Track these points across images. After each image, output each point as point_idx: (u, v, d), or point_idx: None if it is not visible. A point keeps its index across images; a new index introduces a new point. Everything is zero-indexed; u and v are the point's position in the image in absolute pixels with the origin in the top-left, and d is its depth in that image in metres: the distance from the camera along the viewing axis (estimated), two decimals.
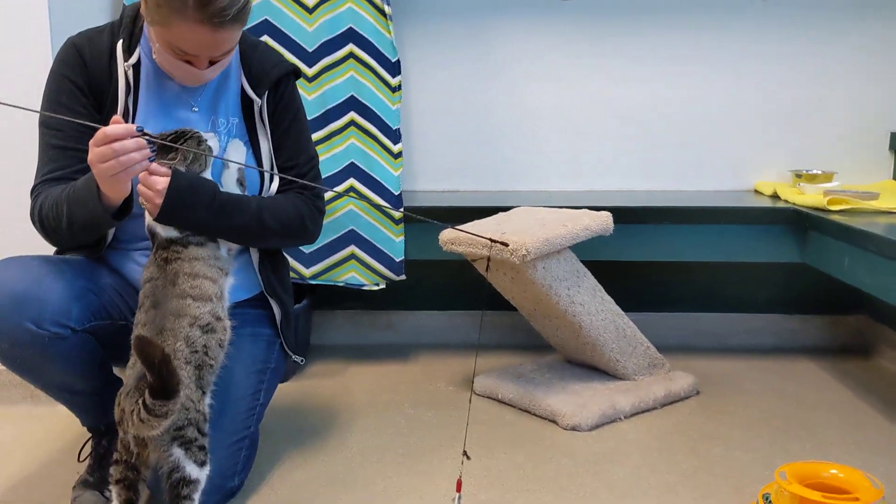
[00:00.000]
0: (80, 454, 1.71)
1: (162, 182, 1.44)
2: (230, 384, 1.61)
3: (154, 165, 1.43)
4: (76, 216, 1.47)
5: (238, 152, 1.62)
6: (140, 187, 1.45)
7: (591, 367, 2.25)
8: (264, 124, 1.66)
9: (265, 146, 1.66)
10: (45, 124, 1.57)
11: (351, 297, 2.61)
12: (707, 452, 1.84)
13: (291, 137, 1.72)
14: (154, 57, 1.57)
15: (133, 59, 1.57)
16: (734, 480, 1.69)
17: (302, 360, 1.86)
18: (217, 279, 1.49)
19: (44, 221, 1.52)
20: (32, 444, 1.89)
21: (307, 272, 2.37)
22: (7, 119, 1.83)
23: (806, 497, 1.34)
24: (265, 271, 1.74)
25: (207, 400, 1.44)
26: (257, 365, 1.69)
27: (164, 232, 1.49)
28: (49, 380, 1.55)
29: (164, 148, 1.46)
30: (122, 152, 1.34)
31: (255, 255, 1.71)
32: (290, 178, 1.65)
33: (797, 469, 1.43)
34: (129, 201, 1.46)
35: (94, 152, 1.36)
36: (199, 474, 1.38)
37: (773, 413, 2.07)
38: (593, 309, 2.07)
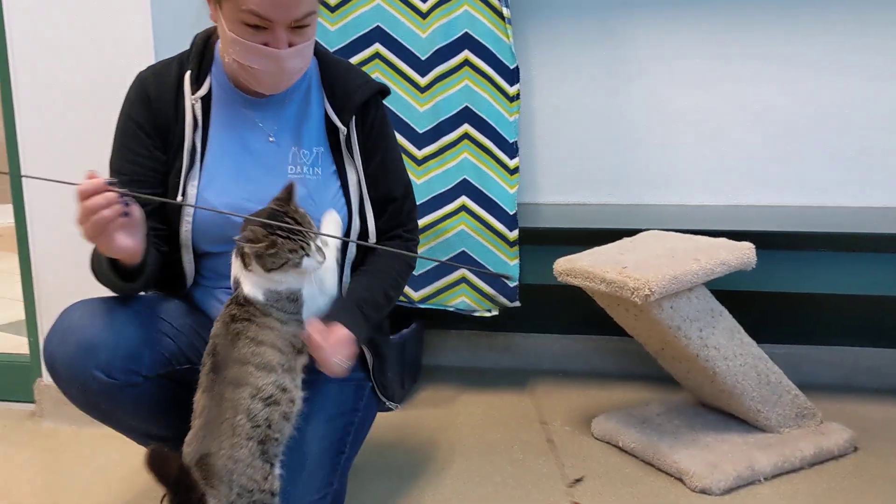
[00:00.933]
0: (162, 501, 1.64)
1: (346, 364, 1.38)
2: (310, 436, 1.48)
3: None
4: (100, 279, 1.39)
5: (334, 224, 1.46)
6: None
7: (726, 413, 1.99)
8: (352, 154, 1.51)
9: (353, 178, 1.52)
10: (112, 167, 1.49)
11: (466, 318, 2.45)
12: None
13: (386, 166, 1.57)
14: (226, 61, 1.44)
15: (202, 91, 1.46)
16: None
17: (396, 407, 1.71)
18: (286, 352, 1.33)
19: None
20: (132, 470, 1.86)
21: (416, 296, 2.23)
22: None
23: None
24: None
25: (277, 471, 1.31)
26: (344, 414, 1.56)
27: (250, 290, 1.34)
28: (125, 425, 1.48)
29: (263, 225, 1.29)
30: (93, 210, 1.22)
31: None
32: (387, 248, 1.54)
33: None
34: (143, 263, 1.36)
35: (76, 212, 1.25)
36: None
37: None
38: (730, 353, 1.81)
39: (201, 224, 1.47)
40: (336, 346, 1.37)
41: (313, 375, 1.55)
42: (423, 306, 2.24)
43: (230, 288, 1.52)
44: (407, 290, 2.22)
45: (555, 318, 2.49)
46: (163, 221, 1.49)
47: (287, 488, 1.40)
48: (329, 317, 1.40)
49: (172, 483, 1.14)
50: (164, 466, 1.15)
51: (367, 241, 1.54)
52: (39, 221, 2.10)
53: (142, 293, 1.55)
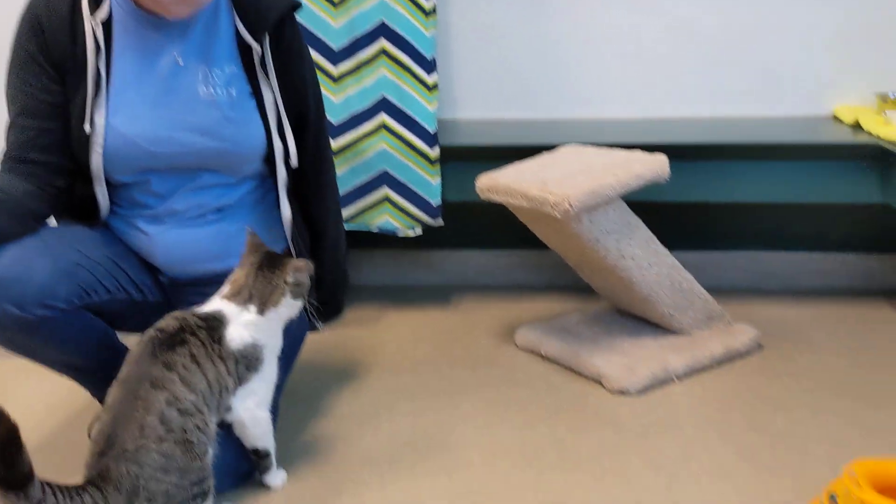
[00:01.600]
0: (89, 431, 1.63)
1: None
2: None
3: None
4: None
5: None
6: None
7: (642, 319, 2.08)
8: (267, 74, 1.48)
9: (269, 97, 1.49)
10: (7, 97, 1.43)
11: (390, 237, 2.47)
12: (767, 425, 1.67)
13: (300, 81, 1.55)
14: None
15: (103, 14, 1.39)
16: (796, 466, 1.53)
17: (322, 327, 1.73)
18: (215, 392, 1.31)
19: None
20: (52, 407, 1.83)
21: None
22: None
23: None
24: (295, 239, 1.61)
25: (211, 453, 1.31)
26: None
27: (236, 333, 1.35)
28: (45, 358, 1.46)
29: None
30: None
31: (287, 221, 1.57)
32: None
33: (870, 469, 1.26)
34: None
35: None
36: None
37: (846, 373, 1.88)
38: (646, 263, 1.89)
39: (113, 154, 1.43)
40: None
41: None
42: (346, 227, 2.24)
43: (149, 217, 1.50)
44: None
45: (477, 234, 2.53)
46: (68, 155, 1.44)
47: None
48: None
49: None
50: None
51: (289, 162, 1.53)
52: None
53: (53, 224, 1.52)
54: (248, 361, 1.35)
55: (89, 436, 1.49)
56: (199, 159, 1.47)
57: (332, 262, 1.69)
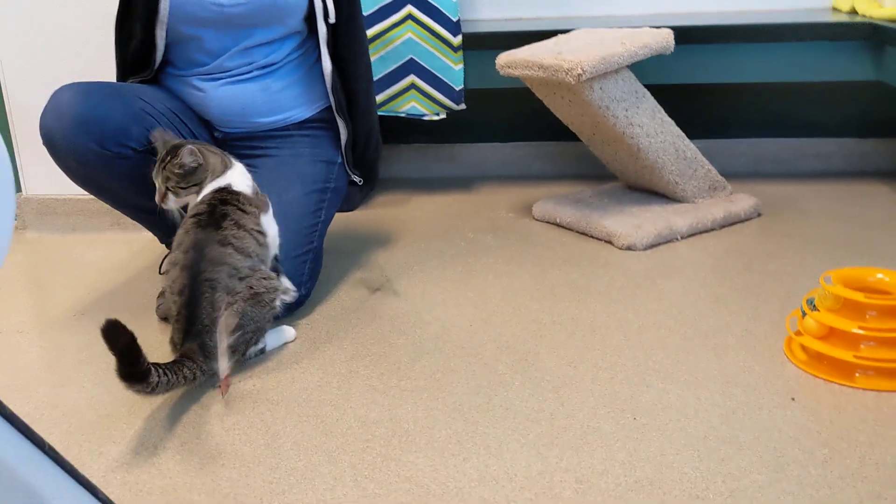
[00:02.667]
0: (160, 267, 1.85)
1: None
2: (292, 203, 1.69)
3: None
4: None
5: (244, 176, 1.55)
6: None
7: (651, 193, 2.26)
8: None
9: None
10: None
11: (416, 131, 2.64)
12: (761, 268, 1.85)
13: None
14: None
15: None
16: (784, 291, 1.71)
17: (360, 180, 1.92)
18: (262, 256, 1.49)
19: None
20: (120, 263, 2.05)
21: None
22: None
23: (848, 297, 1.36)
24: (335, 91, 1.78)
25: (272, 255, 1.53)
26: (317, 184, 1.77)
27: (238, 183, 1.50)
28: (120, 199, 1.66)
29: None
30: None
31: (328, 73, 1.74)
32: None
33: (843, 274, 1.44)
34: None
35: None
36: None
37: (836, 233, 2.06)
38: (652, 131, 2.06)
39: (174, 12, 1.61)
40: None
41: (286, 151, 1.76)
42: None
43: (203, 74, 1.69)
44: None
45: (497, 125, 2.70)
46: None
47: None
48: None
49: (120, 352, 1.21)
50: (115, 337, 1.20)
51: (328, 19, 1.70)
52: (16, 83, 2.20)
53: (121, 82, 1.71)
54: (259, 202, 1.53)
55: (159, 314, 1.70)
56: (250, 10, 1.64)
57: (365, 125, 1.86)
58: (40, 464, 0.65)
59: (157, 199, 1.46)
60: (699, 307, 1.67)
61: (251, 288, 1.43)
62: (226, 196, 1.46)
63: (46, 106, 1.55)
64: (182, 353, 1.38)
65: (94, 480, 1.14)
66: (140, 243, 2.16)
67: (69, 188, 1.67)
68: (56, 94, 1.54)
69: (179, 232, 1.44)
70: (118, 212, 1.74)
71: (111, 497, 1.06)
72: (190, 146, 1.44)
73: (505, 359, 1.48)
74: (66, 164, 1.57)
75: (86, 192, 1.66)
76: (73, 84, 1.57)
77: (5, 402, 0.61)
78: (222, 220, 1.43)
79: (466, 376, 1.43)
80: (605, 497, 1.09)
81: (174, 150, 1.44)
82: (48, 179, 1.48)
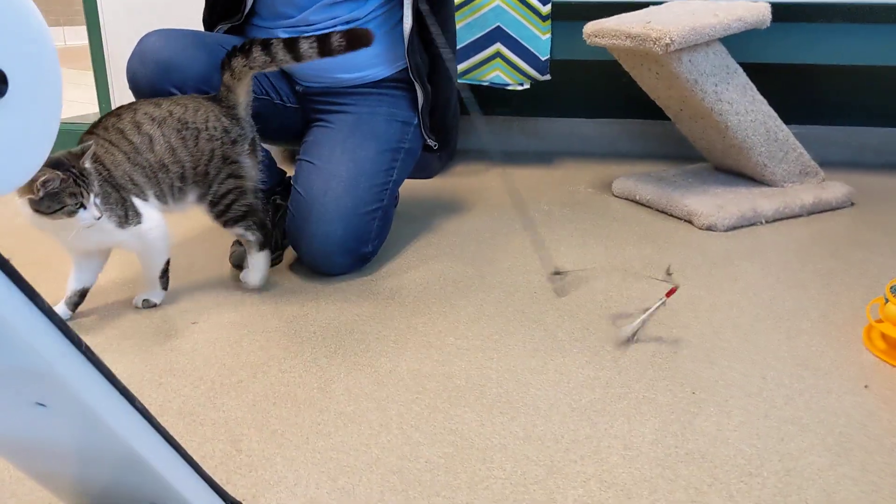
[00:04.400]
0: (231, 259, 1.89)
1: None
2: (364, 160, 1.70)
3: None
4: None
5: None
6: None
7: (738, 175, 2.18)
8: None
9: None
10: None
11: (499, 103, 2.62)
12: (848, 255, 1.76)
13: None
14: None
15: None
16: (869, 280, 1.62)
17: (436, 144, 1.91)
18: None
19: None
20: (200, 214, 2.10)
21: (455, 69, 2.39)
22: None
23: None
24: (413, 54, 1.78)
25: None
26: (391, 144, 1.76)
27: None
28: None
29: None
30: None
31: (407, 34, 1.74)
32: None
33: None
34: None
35: None
36: None
37: None
38: (742, 109, 1.98)
39: None
40: None
41: (363, 108, 1.76)
42: (460, 81, 2.41)
43: (288, 27, 1.71)
44: None
45: (582, 100, 2.65)
46: None
47: (345, 200, 1.64)
48: None
49: None
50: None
51: None
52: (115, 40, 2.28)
53: (207, 32, 1.74)
54: None
55: (232, 261, 1.74)
56: None
57: (445, 91, 1.85)
58: (78, 364, 0.67)
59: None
60: (776, 290, 1.60)
61: None
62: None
63: (134, 50, 1.59)
64: None
65: (152, 408, 1.18)
66: None
67: None
68: (143, 40, 1.59)
69: None
70: None
71: (166, 426, 1.09)
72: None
73: (566, 326, 1.45)
74: None
75: None
76: (160, 30, 1.61)
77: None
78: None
79: (524, 340, 1.40)
80: (652, 466, 1.05)
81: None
82: None
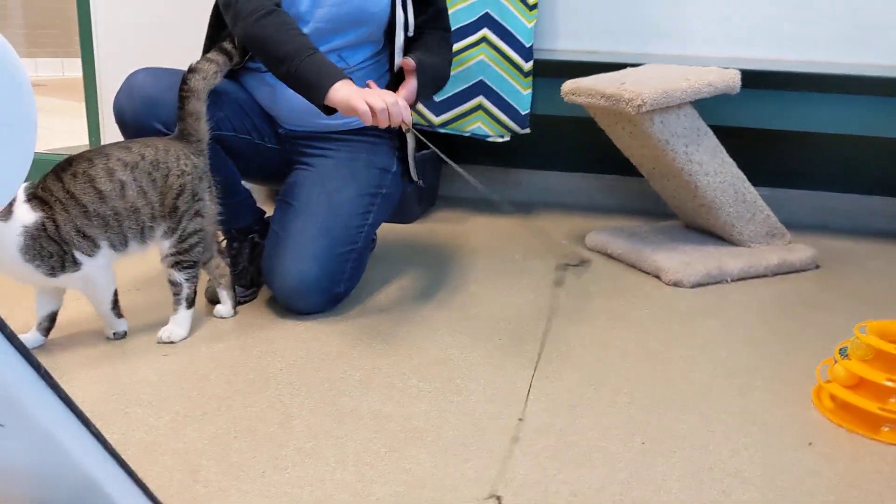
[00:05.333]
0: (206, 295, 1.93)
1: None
2: (342, 202, 1.75)
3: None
4: (297, 72, 1.57)
5: None
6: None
7: (707, 233, 2.24)
8: None
9: None
10: None
11: (480, 152, 2.69)
12: (806, 316, 1.81)
13: None
14: None
15: None
16: (823, 342, 1.67)
17: (420, 182, 1.96)
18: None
19: (257, 34, 1.60)
20: None
21: (436, 120, 2.46)
22: None
23: (881, 348, 1.32)
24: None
25: None
26: (370, 189, 1.82)
27: None
28: None
29: None
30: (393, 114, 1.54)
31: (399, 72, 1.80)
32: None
33: (879, 325, 1.40)
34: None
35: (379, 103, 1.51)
36: None
37: (891, 293, 1.99)
38: (712, 170, 2.04)
39: None
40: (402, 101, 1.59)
41: (344, 154, 1.82)
42: (442, 131, 2.48)
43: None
44: (427, 114, 2.45)
45: (562, 154, 2.72)
46: None
47: (320, 239, 1.68)
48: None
49: None
50: None
51: (408, 32, 1.77)
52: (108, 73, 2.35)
53: None
54: None
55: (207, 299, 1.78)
56: (334, 14, 1.72)
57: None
58: (36, 388, 0.71)
59: None
60: (732, 347, 1.64)
61: None
62: None
63: (122, 86, 1.65)
64: None
65: (115, 437, 1.21)
66: None
67: None
68: (131, 76, 1.64)
69: None
70: None
71: (127, 454, 1.12)
72: None
73: (527, 374, 1.49)
74: None
75: None
76: (149, 68, 1.67)
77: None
78: None
79: (485, 385, 1.44)
80: None
81: None
82: None
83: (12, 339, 0.67)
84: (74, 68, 2.65)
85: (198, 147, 1.59)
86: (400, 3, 1.76)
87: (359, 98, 1.50)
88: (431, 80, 1.76)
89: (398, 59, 1.79)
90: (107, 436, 1.21)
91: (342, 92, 1.52)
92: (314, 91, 1.56)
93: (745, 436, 1.29)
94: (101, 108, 2.42)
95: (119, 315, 1.59)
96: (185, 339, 1.60)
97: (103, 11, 2.32)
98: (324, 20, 1.73)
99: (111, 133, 2.41)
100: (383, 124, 1.54)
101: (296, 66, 1.55)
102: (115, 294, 1.57)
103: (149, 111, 1.60)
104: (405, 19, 1.77)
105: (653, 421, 1.33)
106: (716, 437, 1.29)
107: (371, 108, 1.51)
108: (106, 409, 1.32)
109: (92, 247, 1.47)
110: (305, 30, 1.70)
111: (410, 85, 1.69)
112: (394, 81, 1.81)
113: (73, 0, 2.39)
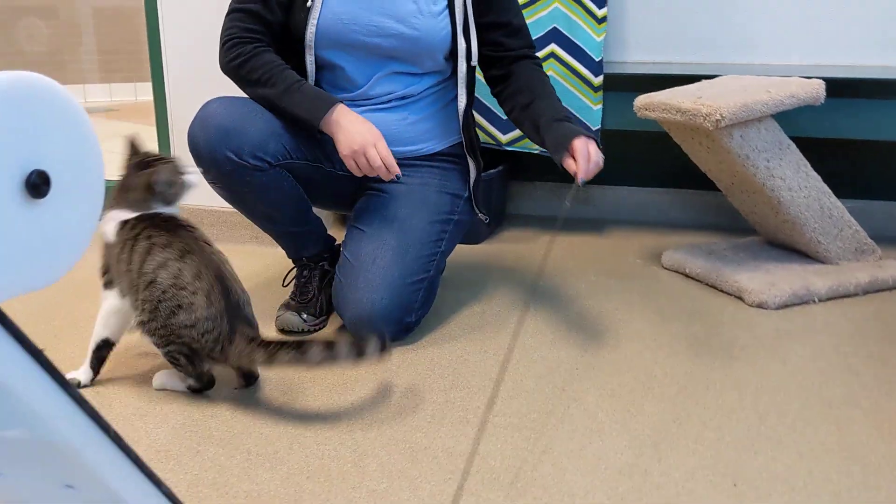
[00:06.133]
0: (284, 280, 1.91)
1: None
2: (414, 230, 1.72)
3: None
4: (285, 104, 1.64)
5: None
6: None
7: (791, 250, 2.13)
8: None
9: (459, 0, 1.70)
10: None
11: (550, 169, 2.62)
12: None
13: None
14: None
15: None
16: None
17: (487, 219, 1.93)
18: None
19: (241, 72, 1.66)
20: (252, 273, 2.14)
21: (504, 138, 2.42)
22: None
23: None
24: (468, 129, 1.81)
25: None
26: (441, 216, 1.78)
27: None
28: (253, 209, 1.73)
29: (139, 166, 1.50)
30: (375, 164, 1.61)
31: (461, 111, 1.78)
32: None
33: None
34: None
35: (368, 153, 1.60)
36: None
37: None
38: (795, 185, 1.94)
39: (324, 28, 1.68)
40: (592, 152, 1.57)
41: (415, 180, 1.79)
42: (509, 149, 2.43)
43: (348, 100, 1.74)
44: (495, 132, 2.40)
45: (634, 169, 2.64)
46: (288, 32, 1.70)
47: (392, 269, 1.65)
48: (563, 135, 1.61)
49: None
50: None
51: (470, 61, 1.74)
52: (178, 96, 2.37)
53: None
54: None
55: (277, 324, 1.77)
56: (391, 45, 1.69)
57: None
58: (106, 451, 0.68)
59: None
60: (827, 374, 1.55)
61: None
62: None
63: (196, 115, 1.65)
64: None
65: (188, 478, 1.19)
66: (273, 257, 2.25)
67: (216, 201, 1.76)
68: (204, 106, 1.64)
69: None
70: (255, 225, 1.81)
71: (199, 497, 1.10)
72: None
73: (606, 406, 1.43)
74: (207, 171, 1.65)
75: (228, 205, 1.74)
76: (222, 98, 1.66)
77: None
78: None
79: (563, 419, 1.38)
80: None
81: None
82: (198, 191, 1.61)
83: (81, 402, 0.64)
84: (147, 92, 2.69)
85: None
86: (461, 31, 1.72)
87: (347, 154, 1.62)
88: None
89: (461, 90, 1.75)
90: (180, 477, 1.19)
91: (334, 120, 1.62)
92: (308, 124, 1.63)
93: (847, 476, 1.21)
94: (171, 130, 2.45)
95: (92, 366, 1.51)
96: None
97: (171, 35, 2.34)
98: (384, 37, 1.70)
99: (181, 155, 2.43)
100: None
101: (285, 102, 1.63)
102: (102, 344, 1.51)
103: (222, 140, 1.60)
104: (467, 48, 1.73)
105: (744, 460, 1.25)
106: (814, 478, 1.20)
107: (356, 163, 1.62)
108: (178, 449, 1.30)
109: (111, 282, 1.50)
110: (360, 60, 1.70)
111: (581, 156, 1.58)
112: (456, 111, 1.78)
113: (143, 24, 2.42)
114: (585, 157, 1.55)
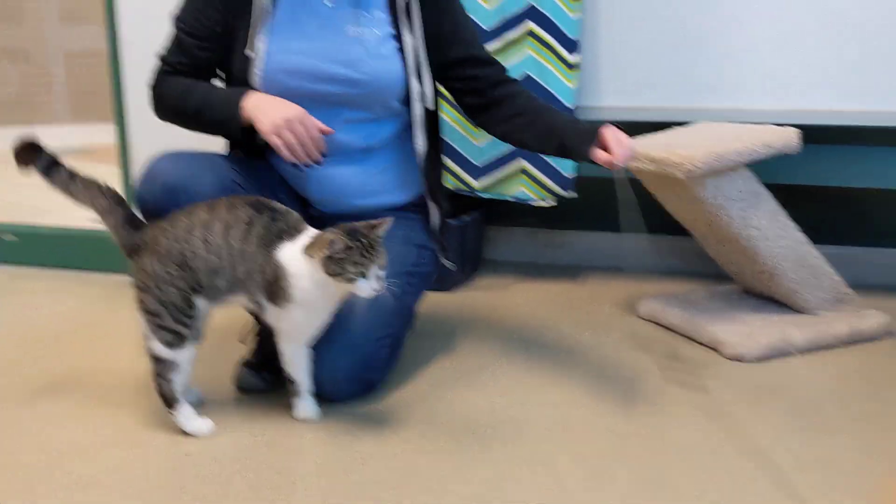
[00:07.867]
0: (240, 336, 1.85)
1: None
2: None
3: None
4: (205, 113, 1.60)
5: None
6: None
7: (769, 299, 2.08)
8: (410, 19, 1.65)
9: (409, 41, 1.66)
10: (178, 18, 1.66)
11: (526, 214, 2.58)
12: (888, 395, 1.65)
13: (454, 30, 1.71)
14: None
15: None
16: None
17: (454, 266, 1.87)
18: None
19: (161, 105, 1.66)
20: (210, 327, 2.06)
21: (477, 185, 2.37)
22: None
23: None
24: (429, 174, 1.76)
25: None
26: (405, 267, 1.71)
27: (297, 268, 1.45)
28: None
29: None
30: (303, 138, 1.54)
31: (421, 158, 1.73)
32: None
33: None
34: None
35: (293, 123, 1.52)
36: None
37: None
38: (772, 234, 1.90)
39: (270, 77, 1.63)
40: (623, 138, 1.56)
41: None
42: (484, 196, 2.38)
43: None
44: (468, 178, 2.36)
45: (611, 215, 2.59)
46: (213, 75, 1.68)
47: (354, 326, 1.59)
48: (585, 130, 1.64)
49: None
50: None
51: (426, 103, 1.68)
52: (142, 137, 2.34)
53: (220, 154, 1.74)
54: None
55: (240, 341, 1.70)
56: (340, 90, 1.65)
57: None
58: None
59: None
60: (806, 436, 1.49)
61: None
62: None
63: (143, 173, 1.58)
64: None
65: None
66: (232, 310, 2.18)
67: None
68: (152, 162, 1.58)
69: None
70: None
71: None
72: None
73: (578, 473, 1.36)
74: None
75: None
76: (170, 153, 1.60)
77: None
78: None
79: (532, 488, 1.32)
80: None
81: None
82: None
83: None
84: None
85: None
86: (414, 74, 1.68)
87: (270, 130, 1.54)
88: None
89: (418, 134, 1.71)
90: None
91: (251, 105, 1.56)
92: (229, 124, 1.59)
93: None
94: (134, 172, 2.39)
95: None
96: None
97: (133, 77, 2.29)
98: (334, 83, 1.66)
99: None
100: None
101: (206, 113, 1.60)
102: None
103: (170, 198, 1.53)
104: (421, 91, 1.69)
105: None
106: None
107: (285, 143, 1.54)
108: None
109: None
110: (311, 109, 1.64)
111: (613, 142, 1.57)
112: (418, 153, 1.73)
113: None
114: (618, 142, 1.53)
